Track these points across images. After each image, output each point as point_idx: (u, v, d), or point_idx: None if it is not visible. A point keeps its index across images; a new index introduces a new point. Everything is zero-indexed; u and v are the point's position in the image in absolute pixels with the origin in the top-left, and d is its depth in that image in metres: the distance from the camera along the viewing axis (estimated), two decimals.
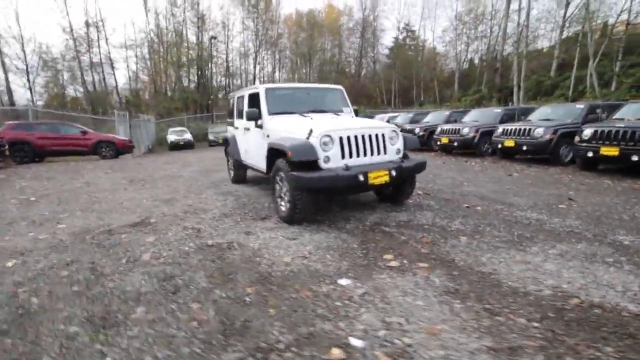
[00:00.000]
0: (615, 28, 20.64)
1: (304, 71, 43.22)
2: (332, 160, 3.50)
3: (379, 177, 3.55)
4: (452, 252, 2.86)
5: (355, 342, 1.71)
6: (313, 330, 1.83)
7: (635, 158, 5.68)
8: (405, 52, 38.55)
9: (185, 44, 28.46)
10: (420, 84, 34.11)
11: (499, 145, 8.53)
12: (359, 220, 3.79)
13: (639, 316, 1.90)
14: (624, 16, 20.28)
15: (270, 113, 4.47)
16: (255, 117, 4.54)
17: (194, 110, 29.00)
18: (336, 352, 1.65)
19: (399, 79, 34.48)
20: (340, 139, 3.56)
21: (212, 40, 24.80)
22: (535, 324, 1.85)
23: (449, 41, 33.10)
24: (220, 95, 31.18)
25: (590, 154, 6.37)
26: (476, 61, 31.62)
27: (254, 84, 37.53)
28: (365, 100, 35.43)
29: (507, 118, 10.07)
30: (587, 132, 6.50)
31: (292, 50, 39.77)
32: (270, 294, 2.24)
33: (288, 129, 3.97)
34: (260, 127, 4.56)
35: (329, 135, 3.50)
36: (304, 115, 4.54)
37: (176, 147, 19.79)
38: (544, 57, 24.37)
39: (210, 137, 20.97)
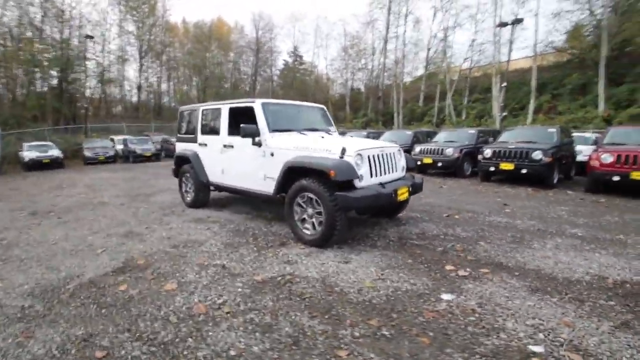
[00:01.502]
0: (462, 71, 26.98)
1: (193, 84, 40.47)
2: (364, 179, 3.53)
3: (403, 194, 3.77)
4: (489, 255, 3.28)
5: (536, 349, 1.83)
6: (496, 345, 1.86)
7: (524, 171, 7.60)
8: (294, 75, 40.71)
9: (45, 41, 22.65)
10: None
11: (418, 162, 9.98)
12: (382, 237, 3.89)
13: None
14: (467, 64, 26.77)
15: (271, 130, 4.16)
16: (253, 133, 4.13)
17: (55, 120, 23.24)
18: None
19: (296, 99, 35.99)
20: (369, 157, 3.64)
21: (87, 40, 20.44)
22: (611, 302, 2.35)
23: (338, 69, 36.82)
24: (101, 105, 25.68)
25: (492, 169, 8.17)
26: (362, 88, 35.95)
27: (139, 93, 32.88)
28: None
29: (415, 140, 11.87)
30: (488, 151, 8.33)
31: (183, 61, 36.75)
32: (399, 322, 2.13)
33: (305, 146, 3.78)
34: (259, 144, 4.17)
35: (360, 154, 3.53)
36: (302, 133, 4.41)
37: (36, 166, 15.39)
38: (416, 90, 29.76)
39: (87, 153, 17.23)
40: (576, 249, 3.46)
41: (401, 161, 4.23)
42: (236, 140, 4.57)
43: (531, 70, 21.87)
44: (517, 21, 19.22)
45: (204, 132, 5.18)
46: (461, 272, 2.88)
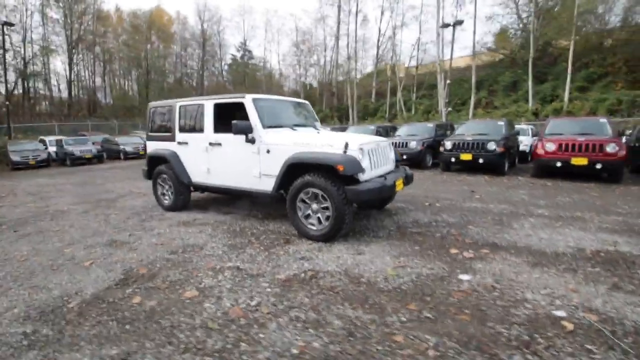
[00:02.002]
0: (409, 68, 28.50)
1: (132, 77, 37.27)
2: (367, 173, 3.63)
3: (400, 185, 3.95)
4: (482, 237, 3.59)
5: (560, 314, 2.09)
6: (527, 314, 2.07)
7: (481, 160, 8.35)
8: (245, 70, 39.61)
9: None
10: None
11: None
12: (380, 228, 4.04)
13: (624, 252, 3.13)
14: (414, 61, 28.32)
15: (265, 126, 4.06)
16: (245, 130, 3.99)
17: None
18: (568, 325, 1.98)
19: None
20: (369, 151, 3.74)
21: (3, 27, 17.38)
22: (597, 269, 2.74)
23: (290, 64, 36.62)
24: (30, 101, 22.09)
25: (453, 159, 8.84)
26: (315, 84, 36.20)
27: (69, 88, 29.35)
28: None
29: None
30: (448, 144, 8.99)
31: (119, 53, 33.51)
32: (435, 305, 2.27)
33: (304, 142, 3.76)
34: (252, 141, 4.04)
35: (362, 148, 3.61)
36: (293, 129, 4.37)
37: None
38: (367, 86, 30.77)
39: (15, 157, 15.02)
40: (549, 227, 3.94)
41: (391, 154, 4.41)
42: (224, 137, 4.38)
43: (469, 69, 23.91)
44: (458, 22, 20.81)
45: (183, 130, 4.86)
46: (466, 254, 3.13)
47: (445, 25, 21.41)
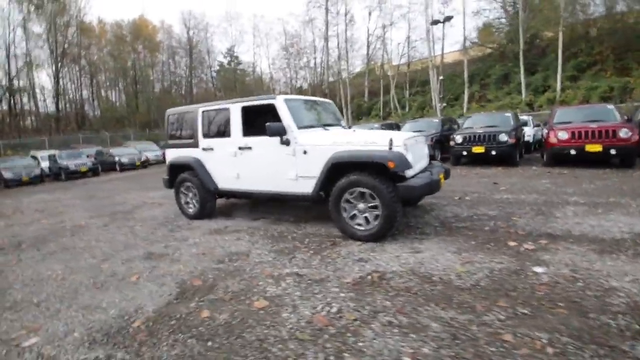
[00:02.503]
0: (401, 66, 28.66)
1: (120, 88, 36.58)
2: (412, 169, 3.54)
3: (442, 180, 3.87)
4: (533, 228, 3.53)
5: None
6: (624, 302, 2.00)
7: (494, 152, 8.38)
8: (235, 76, 39.25)
9: None
10: None
11: None
12: (424, 224, 3.94)
13: None
14: (404, 59, 28.51)
15: (299, 127, 3.94)
16: (280, 131, 3.86)
17: None
18: None
19: None
20: (410, 147, 3.65)
21: None
22: None
23: (280, 68, 36.47)
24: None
25: (464, 153, 8.85)
26: (306, 87, 36.05)
27: (57, 102, 28.54)
28: None
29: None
30: (459, 137, 8.99)
31: (105, 64, 32.81)
32: (524, 300, 2.18)
33: (345, 141, 3.65)
34: (287, 143, 3.91)
35: (405, 144, 3.52)
36: (325, 129, 4.27)
37: None
38: (359, 85, 30.83)
39: (7, 174, 14.45)
40: (591, 214, 3.92)
41: (425, 149, 4.34)
42: (254, 140, 4.24)
43: (460, 64, 24.19)
44: (447, 19, 21.00)
45: (207, 136, 4.70)
46: (527, 246, 3.06)
47: (435, 22, 21.58)
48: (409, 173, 3.45)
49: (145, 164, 18.62)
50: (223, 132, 4.55)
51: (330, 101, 5.15)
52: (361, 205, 3.49)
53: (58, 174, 15.37)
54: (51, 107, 28.79)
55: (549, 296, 2.20)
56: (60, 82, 27.65)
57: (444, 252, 3.05)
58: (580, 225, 3.54)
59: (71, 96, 30.45)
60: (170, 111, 5.26)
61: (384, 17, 27.47)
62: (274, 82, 37.23)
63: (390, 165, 3.22)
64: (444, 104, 22.09)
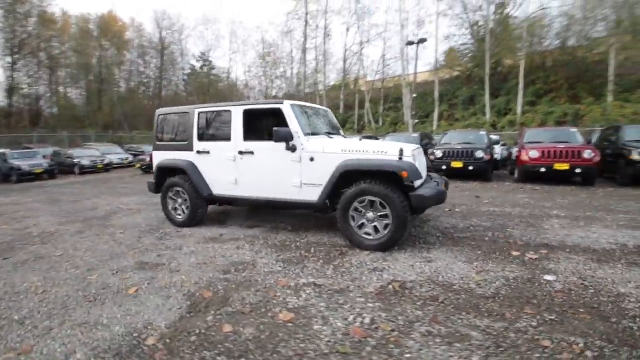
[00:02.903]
0: (375, 82, 29.56)
1: (81, 86, 34.28)
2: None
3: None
4: (529, 238, 3.71)
5: None
6: None
7: (470, 167, 8.80)
8: (209, 80, 38.37)
9: None
10: None
11: None
12: (425, 234, 4.00)
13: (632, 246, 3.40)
14: (379, 75, 29.49)
15: (305, 133, 3.88)
16: (287, 137, 3.78)
17: None
18: None
19: None
20: (417, 158, 3.72)
21: None
22: None
23: (256, 75, 36.16)
24: None
25: (444, 167, 9.20)
26: (280, 96, 35.97)
27: (9, 97, 26.05)
28: None
29: None
30: (439, 152, 9.37)
31: (67, 59, 30.62)
32: (548, 306, 2.25)
33: (353, 149, 3.64)
34: (293, 149, 3.83)
35: (413, 154, 3.58)
36: (329, 136, 4.25)
37: None
38: (334, 98, 31.30)
39: None
40: (575, 226, 4.19)
41: (424, 161, 4.44)
42: (256, 145, 4.11)
43: (431, 83, 25.48)
44: (421, 40, 22.11)
45: (202, 138, 4.48)
46: (529, 256, 3.19)
47: (410, 43, 22.67)
48: (417, 183, 3.50)
49: (108, 167, 17.45)
50: (221, 135, 4.37)
51: (327, 109, 5.16)
52: (370, 214, 3.47)
53: (8, 175, 13.92)
54: (1, 102, 26.20)
55: (567, 302, 2.29)
56: (15, 75, 25.28)
57: (456, 261, 3.10)
58: (570, 236, 3.77)
59: (26, 91, 27.91)
60: (160, 111, 4.96)
61: (362, 33, 28.29)
62: (249, 90, 36.80)
63: (404, 174, 3.25)
64: (416, 120, 23.03)
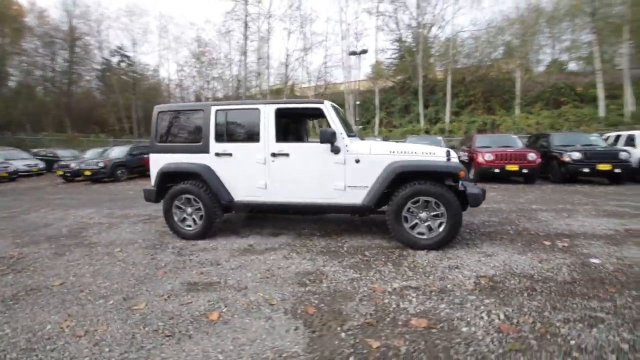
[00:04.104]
0: (317, 87, 30.11)
1: None
2: None
3: None
4: (544, 229, 4.18)
5: None
6: None
7: None
8: (135, 77, 34.40)
9: None
10: None
11: None
12: None
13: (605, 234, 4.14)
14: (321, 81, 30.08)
15: (347, 135, 3.77)
16: (331, 139, 3.62)
17: None
18: None
19: (145, 107, 30.40)
20: None
21: None
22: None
23: (189, 75, 33.64)
24: None
25: None
26: (220, 95, 34.01)
27: None
28: (98, 128, 28.24)
29: None
30: None
31: None
32: (625, 286, 2.57)
33: (403, 150, 3.67)
34: (337, 151, 3.68)
35: (454, 156, 3.76)
36: (362, 138, 4.23)
37: None
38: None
39: None
40: (563, 217, 4.88)
41: None
42: (292, 147, 3.84)
43: (371, 91, 27.09)
44: (363, 52, 23.43)
45: (222, 139, 4.00)
46: (561, 244, 3.61)
47: (352, 53, 23.81)
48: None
49: (14, 176, 14.37)
50: (247, 135, 3.97)
51: (339, 108, 5.09)
52: (423, 214, 3.53)
53: None
54: None
55: (632, 280, 2.65)
56: None
57: (510, 254, 3.33)
58: (570, 226, 4.37)
59: None
60: (160, 107, 4.28)
61: (305, 39, 28.64)
62: (182, 90, 34.09)
63: (462, 174, 3.39)
64: (360, 127, 24.16)
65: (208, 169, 4.01)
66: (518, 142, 9.96)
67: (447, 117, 23.30)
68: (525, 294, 2.46)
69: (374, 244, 3.78)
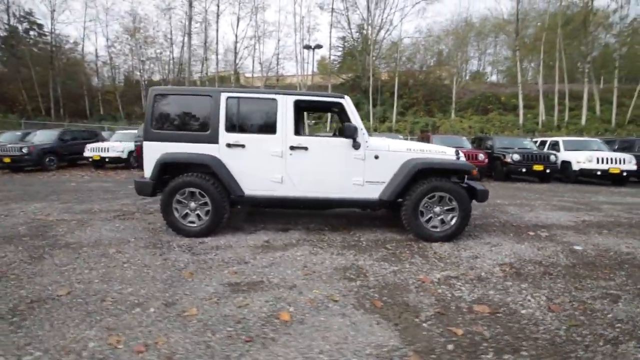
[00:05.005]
0: (270, 79, 29.39)
1: None
2: None
3: None
4: (522, 220, 4.77)
5: None
6: None
7: None
8: (29, 48, 29.26)
9: None
10: (98, 95, 27.97)
11: None
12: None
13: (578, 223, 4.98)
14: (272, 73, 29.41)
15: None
16: (353, 134, 3.65)
17: None
18: None
19: (66, 85, 26.10)
20: None
21: None
22: (620, 229, 4.37)
23: (122, 52, 29.94)
24: None
25: None
26: (157, 80, 30.91)
27: None
28: (5, 106, 23.52)
29: None
30: None
31: None
32: (616, 267, 3.10)
33: (417, 148, 3.86)
34: (357, 146, 3.71)
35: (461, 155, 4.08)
36: (371, 135, 4.31)
37: None
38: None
39: None
40: (529, 211, 5.63)
41: None
42: (312, 140, 3.77)
43: (324, 87, 27.39)
44: (318, 46, 23.56)
45: (233, 129, 3.73)
46: (542, 234, 4.18)
47: (307, 47, 23.78)
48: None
49: None
50: (261, 126, 3.77)
51: None
52: (437, 209, 3.77)
53: None
54: None
55: (615, 262, 3.21)
56: None
57: (510, 244, 3.76)
58: (538, 218, 5.07)
59: None
60: (157, 89, 3.79)
61: (256, 27, 27.60)
62: (113, 69, 30.27)
63: (474, 173, 3.70)
64: (313, 121, 24.34)
65: (217, 160, 3.71)
66: (467, 144, 11.08)
67: (394, 116, 24.74)
68: (547, 278, 2.82)
69: (387, 237, 3.93)
